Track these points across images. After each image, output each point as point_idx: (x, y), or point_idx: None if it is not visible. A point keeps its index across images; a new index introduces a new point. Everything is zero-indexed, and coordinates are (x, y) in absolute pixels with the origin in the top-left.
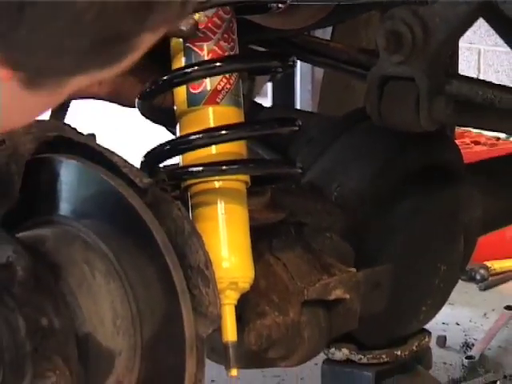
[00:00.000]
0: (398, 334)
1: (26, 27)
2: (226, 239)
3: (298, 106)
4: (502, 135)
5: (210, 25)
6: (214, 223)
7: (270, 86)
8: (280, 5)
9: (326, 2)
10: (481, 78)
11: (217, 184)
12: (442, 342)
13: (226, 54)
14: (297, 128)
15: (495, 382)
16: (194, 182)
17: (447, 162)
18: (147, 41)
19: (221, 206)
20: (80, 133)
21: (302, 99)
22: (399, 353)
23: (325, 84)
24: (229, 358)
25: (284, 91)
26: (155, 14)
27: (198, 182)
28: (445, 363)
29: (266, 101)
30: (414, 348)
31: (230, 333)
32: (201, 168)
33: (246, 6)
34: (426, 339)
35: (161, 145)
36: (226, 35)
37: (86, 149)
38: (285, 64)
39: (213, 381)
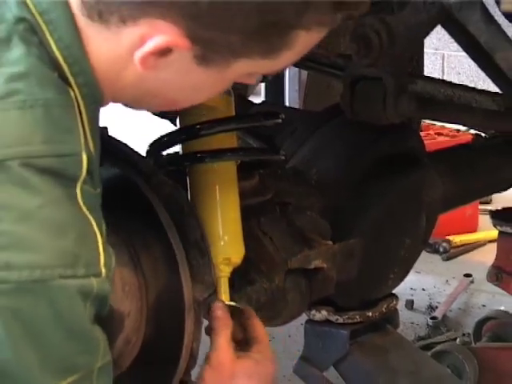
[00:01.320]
0: (369, 298)
1: (207, 0)
2: (220, 220)
3: (287, 104)
4: (463, 127)
5: None
6: (210, 205)
7: (262, 86)
8: None
9: None
10: (444, 79)
11: (212, 169)
12: (409, 305)
13: None
14: (280, 121)
15: (455, 338)
16: (192, 167)
17: (411, 149)
18: (301, 40)
19: (216, 190)
20: None
21: (290, 98)
22: (370, 314)
23: (309, 84)
24: None
25: (275, 91)
26: (311, 12)
27: (195, 168)
28: (412, 323)
29: (260, 99)
30: (384, 310)
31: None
32: (198, 155)
33: None
34: (394, 302)
35: (164, 135)
36: None
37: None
38: None
39: None
